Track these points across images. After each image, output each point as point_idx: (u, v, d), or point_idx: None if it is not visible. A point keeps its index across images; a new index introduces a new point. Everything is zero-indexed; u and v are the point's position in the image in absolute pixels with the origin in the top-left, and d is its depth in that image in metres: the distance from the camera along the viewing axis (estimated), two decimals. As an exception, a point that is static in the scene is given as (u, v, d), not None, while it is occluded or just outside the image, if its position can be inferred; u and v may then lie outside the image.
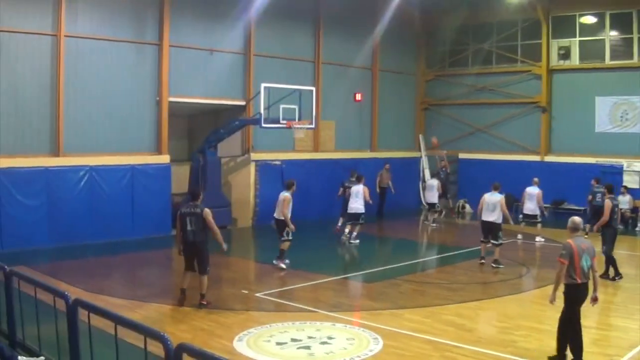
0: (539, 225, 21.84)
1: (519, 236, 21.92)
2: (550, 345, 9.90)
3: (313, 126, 23.56)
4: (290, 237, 16.94)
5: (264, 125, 21.86)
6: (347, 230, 21.36)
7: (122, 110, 21.27)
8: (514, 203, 27.87)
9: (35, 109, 19.38)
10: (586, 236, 18.79)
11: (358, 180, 21.38)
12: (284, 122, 21.85)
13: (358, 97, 28.76)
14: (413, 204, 30.70)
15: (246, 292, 14.50)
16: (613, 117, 26.65)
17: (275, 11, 24.22)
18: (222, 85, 23.99)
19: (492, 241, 17.76)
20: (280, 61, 25.74)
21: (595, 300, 9.70)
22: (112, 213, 20.60)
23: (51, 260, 17.93)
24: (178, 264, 19.37)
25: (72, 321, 7.09)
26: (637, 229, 23.44)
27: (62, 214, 19.55)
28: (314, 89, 24.13)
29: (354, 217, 21.07)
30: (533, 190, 21.82)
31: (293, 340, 10.82)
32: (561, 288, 9.71)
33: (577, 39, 27.58)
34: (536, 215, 21.81)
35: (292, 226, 16.80)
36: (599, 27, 27.14)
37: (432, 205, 25.85)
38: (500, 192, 18.09)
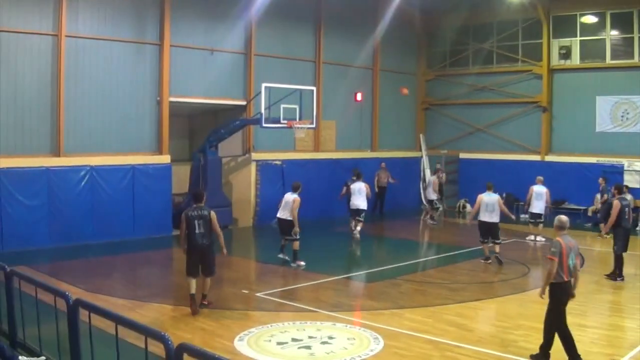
0: (541, 225, 21.83)
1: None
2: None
3: (314, 126, 23.53)
4: (299, 237, 17.35)
5: (264, 125, 21.87)
6: (352, 225, 21.81)
7: (122, 110, 21.28)
8: (514, 202, 27.98)
9: (35, 108, 19.38)
10: (605, 237, 19.06)
11: (358, 178, 21.95)
12: (285, 122, 21.85)
13: (358, 97, 28.75)
14: (413, 203, 30.69)
15: (247, 292, 14.50)
16: (614, 117, 26.64)
17: (276, 11, 24.23)
18: (222, 85, 23.99)
19: (494, 241, 17.88)
20: (281, 61, 25.74)
21: (572, 296, 9.72)
22: (113, 213, 20.60)
23: (52, 260, 17.93)
24: (178, 264, 19.38)
25: (72, 321, 7.11)
26: (637, 228, 23.41)
27: (63, 214, 19.55)
28: (314, 88, 24.12)
29: (356, 213, 21.58)
30: (541, 189, 21.71)
31: (294, 340, 10.82)
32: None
33: (578, 38, 27.57)
34: (541, 215, 21.79)
35: (297, 228, 17.21)
36: (599, 27, 27.11)
37: (430, 202, 25.90)
38: (495, 192, 18.07)
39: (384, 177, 27.61)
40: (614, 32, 26.74)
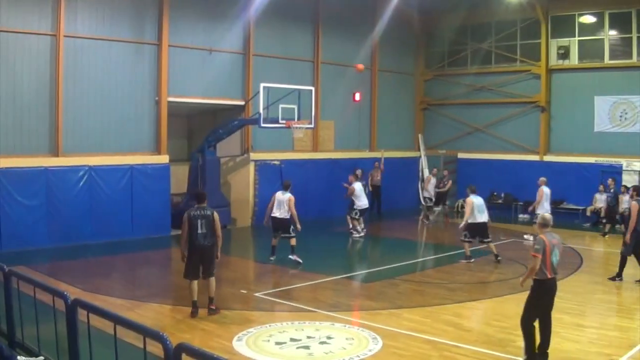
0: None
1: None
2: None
3: (312, 126, 23.54)
4: (295, 233, 17.62)
5: (263, 125, 21.87)
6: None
7: (121, 110, 21.27)
8: (513, 202, 28.00)
9: (34, 109, 19.38)
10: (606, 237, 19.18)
11: (356, 178, 22.53)
12: (283, 122, 21.85)
13: (357, 97, 28.74)
14: (412, 203, 30.68)
15: (245, 292, 14.50)
16: (612, 117, 26.65)
17: (274, 11, 24.24)
18: (221, 85, 23.99)
19: (485, 240, 18.11)
20: (280, 61, 25.75)
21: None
22: (112, 213, 20.61)
23: (50, 260, 17.93)
24: (177, 264, 19.36)
25: (71, 321, 7.10)
26: (616, 226, 23.44)
27: (62, 214, 19.55)
28: (313, 88, 24.12)
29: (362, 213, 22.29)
30: (549, 191, 21.59)
31: (292, 340, 10.82)
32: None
33: (577, 38, 27.58)
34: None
35: (299, 225, 17.60)
36: (598, 27, 27.13)
37: (430, 201, 25.91)
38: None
39: (377, 176, 27.48)
40: (613, 32, 26.77)
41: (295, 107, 22.11)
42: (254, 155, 24.93)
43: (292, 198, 17.52)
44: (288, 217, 17.51)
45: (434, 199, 26.59)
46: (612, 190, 23.27)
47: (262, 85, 21.73)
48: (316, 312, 12.68)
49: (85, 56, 20.41)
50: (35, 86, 19.39)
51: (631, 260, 15.43)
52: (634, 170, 25.58)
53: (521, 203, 27.28)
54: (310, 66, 27.15)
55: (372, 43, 29.16)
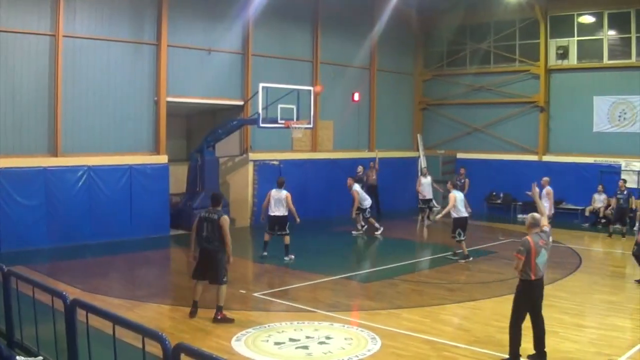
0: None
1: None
2: (548, 344, 9.90)
3: (311, 126, 23.55)
4: (289, 230, 17.99)
5: (262, 125, 21.91)
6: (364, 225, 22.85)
7: (120, 110, 21.27)
8: (512, 202, 28.01)
9: (33, 109, 19.37)
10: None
11: (354, 180, 22.82)
12: (282, 122, 21.87)
13: (356, 97, 28.74)
14: (411, 203, 30.65)
15: (244, 292, 14.50)
16: (611, 117, 26.66)
17: (273, 11, 24.25)
18: (220, 85, 23.99)
19: (463, 237, 18.31)
20: (279, 61, 25.75)
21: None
22: (111, 213, 20.60)
23: (49, 260, 17.94)
24: (176, 264, 19.49)
25: (70, 321, 7.09)
26: (635, 228, 23.42)
27: (61, 214, 19.54)
28: (312, 88, 24.13)
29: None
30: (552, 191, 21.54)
31: (291, 340, 10.83)
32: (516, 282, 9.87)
33: (575, 38, 27.58)
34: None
35: (298, 219, 18.10)
36: (597, 27, 27.14)
37: (426, 202, 25.88)
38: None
39: (373, 176, 27.39)
40: (612, 32, 26.77)
41: (294, 107, 22.13)
42: (252, 155, 24.93)
43: (289, 195, 17.87)
44: (286, 214, 17.86)
45: (432, 199, 26.39)
46: (624, 192, 23.09)
47: (261, 85, 21.75)
48: (315, 312, 12.69)
49: (84, 56, 20.40)
50: (34, 86, 19.38)
51: (630, 259, 15.43)
52: (633, 171, 25.58)
53: (520, 203, 27.31)
54: (309, 66, 27.15)
55: (371, 43, 29.18)
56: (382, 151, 29.20)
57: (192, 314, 12.20)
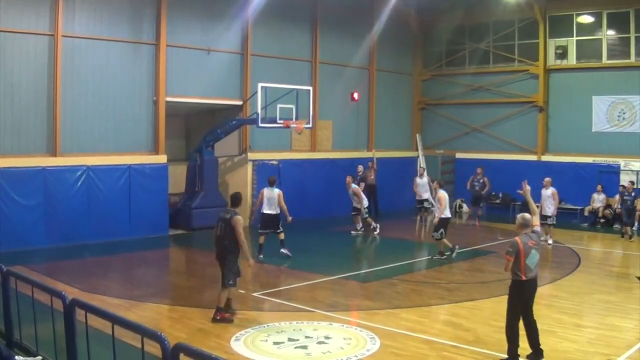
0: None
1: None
2: (547, 344, 9.92)
3: (310, 126, 23.55)
4: (282, 228, 18.30)
5: (260, 125, 21.92)
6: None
7: (119, 110, 21.27)
8: (511, 203, 27.99)
9: (32, 108, 19.37)
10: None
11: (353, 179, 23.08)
12: (281, 121, 21.87)
13: (355, 96, 28.74)
14: (410, 203, 30.64)
15: (243, 291, 14.46)
16: (610, 117, 26.66)
17: (272, 11, 24.26)
18: (219, 84, 23.99)
19: (443, 237, 18.43)
20: (278, 61, 25.75)
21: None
22: (109, 213, 20.60)
23: (48, 260, 17.92)
24: (175, 264, 19.50)
25: (69, 321, 7.10)
26: (633, 228, 23.45)
27: (59, 214, 19.53)
28: (311, 88, 24.14)
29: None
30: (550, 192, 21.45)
31: (290, 339, 10.82)
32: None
33: (574, 38, 27.58)
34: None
35: (290, 218, 18.15)
36: (596, 27, 27.14)
37: (421, 202, 25.86)
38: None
39: (371, 176, 27.36)
40: (611, 32, 26.77)
41: (293, 107, 22.13)
42: (251, 155, 24.92)
43: (281, 193, 18.10)
44: (278, 212, 18.03)
45: (429, 199, 26.30)
46: (632, 194, 22.98)
47: (260, 85, 21.76)
48: (314, 312, 12.68)
49: (83, 56, 20.40)
50: (33, 86, 19.38)
51: (629, 259, 15.44)
52: (632, 170, 25.58)
53: (519, 203, 27.28)
54: (308, 66, 27.15)
55: (370, 43, 29.19)
56: (381, 151, 29.21)
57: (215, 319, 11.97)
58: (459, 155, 30.94)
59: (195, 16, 23.09)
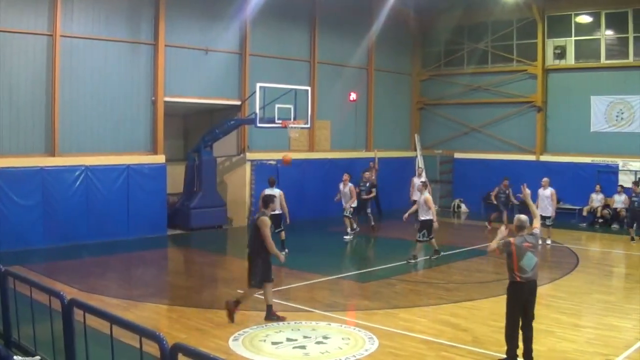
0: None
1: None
2: (545, 344, 9.94)
3: (308, 126, 23.56)
4: (283, 227, 18.47)
5: (259, 125, 21.92)
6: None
7: (117, 110, 21.27)
8: (509, 203, 27.95)
9: (30, 108, 19.36)
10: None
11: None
12: (279, 121, 21.87)
13: (353, 96, 28.74)
14: (408, 203, 30.61)
15: (242, 291, 14.43)
16: (608, 117, 26.67)
17: (270, 11, 24.25)
18: (217, 85, 23.98)
19: (427, 238, 18.38)
20: (276, 61, 25.75)
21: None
22: (108, 213, 20.60)
23: (47, 260, 17.92)
24: (173, 264, 19.50)
25: (67, 321, 7.09)
26: (632, 228, 23.45)
27: (58, 214, 19.52)
28: (309, 88, 24.16)
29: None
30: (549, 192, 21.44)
31: (288, 339, 10.82)
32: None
33: (573, 38, 27.59)
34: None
35: (289, 219, 18.39)
36: (594, 27, 27.15)
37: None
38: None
39: (372, 175, 27.36)
40: (609, 32, 26.78)
41: (292, 107, 22.13)
42: (250, 155, 24.92)
43: (282, 193, 18.24)
44: (280, 212, 18.15)
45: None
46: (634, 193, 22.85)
47: (258, 85, 21.78)
48: (312, 312, 12.68)
49: (82, 56, 20.39)
50: (31, 86, 19.36)
51: (628, 259, 15.44)
52: (630, 170, 25.60)
53: (517, 203, 27.27)
54: (306, 66, 27.15)
55: (368, 43, 29.20)
56: (379, 151, 29.23)
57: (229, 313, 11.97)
58: (457, 155, 30.95)
59: (193, 16, 23.08)
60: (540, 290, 9.87)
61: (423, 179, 25.51)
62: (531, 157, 28.49)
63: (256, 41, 24.97)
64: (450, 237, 24.26)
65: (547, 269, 16.89)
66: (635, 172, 25.39)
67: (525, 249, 9.50)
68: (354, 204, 22.20)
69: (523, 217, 9.83)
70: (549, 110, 28.49)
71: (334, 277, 16.17)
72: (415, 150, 32.27)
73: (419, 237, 18.25)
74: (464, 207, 29.97)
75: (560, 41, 27.87)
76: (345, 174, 22.53)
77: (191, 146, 24.84)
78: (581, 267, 17.55)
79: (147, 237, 21.11)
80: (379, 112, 30.38)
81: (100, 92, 20.86)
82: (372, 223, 23.76)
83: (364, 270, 17.73)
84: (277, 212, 18.06)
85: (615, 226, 24.74)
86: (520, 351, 9.62)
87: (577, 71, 27.53)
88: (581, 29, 27.49)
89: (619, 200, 24.83)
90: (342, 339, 10.91)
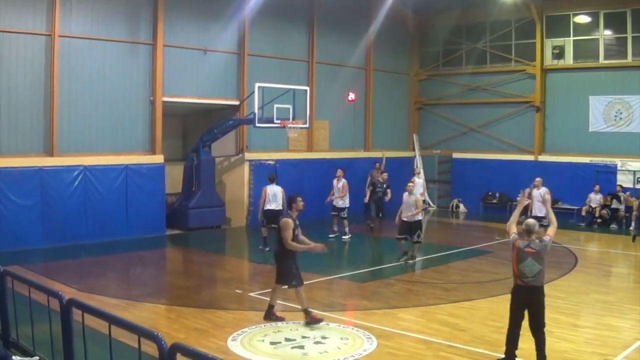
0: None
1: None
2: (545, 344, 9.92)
3: (307, 126, 23.56)
4: None
5: (257, 125, 21.92)
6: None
7: (116, 110, 21.25)
8: (508, 202, 28.00)
9: (29, 108, 19.34)
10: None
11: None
12: (278, 121, 21.87)
13: (351, 96, 28.74)
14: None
15: (240, 291, 14.49)
16: (607, 117, 26.68)
17: (269, 11, 24.23)
18: (216, 85, 23.98)
19: (417, 238, 18.15)
20: (274, 61, 25.74)
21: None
22: (106, 213, 20.58)
23: (45, 260, 17.90)
24: (172, 264, 19.48)
25: (66, 321, 7.09)
26: (630, 228, 23.49)
27: (56, 214, 19.50)
28: (308, 88, 24.17)
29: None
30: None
31: (287, 339, 10.82)
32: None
33: (571, 38, 27.60)
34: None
35: None
36: (593, 27, 27.16)
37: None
38: None
39: (377, 177, 27.39)
40: (607, 32, 26.79)
41: (290, 107, 22.13)
42: (248, 155, 24.92)
43: (284, 190, 18.68)
44: (281, 208, 18.27)
45: (426, 199, 26.23)
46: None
47: (256, 85, 21.78)
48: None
49: (80, 56, 20.38)
50: (30, 86, 19.34)
51: (627, 259, 15.45)
52: (629, 170, 25.62)
53: (516, 203, 27.27)
54: (305, 66, 27.14)
55: (366, 43, 29.19)
56: (378, 151, 29.24)
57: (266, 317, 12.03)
58: (455, 155, 30.95)
59: (192, 16, 23.08)
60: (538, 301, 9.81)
61: (422, 179, 25.60)
62: (530, 157, 28.49)
63: (254, 41, 24.96)
64: (449, 237, 24.33)
65: (546, 269, 16.84)
66: (634, 172, 25.42)
67: (526, 254, 9.44)
68: (347, 204, 22.22)
69: (531, 221, 9.82)
70: (547, 110, 28.51)
71: (333, 277, 16.17)
72: (414, 150, 32.28)
73: (415, 238, 18.17)
74: (462, 207, 29.97)
75: (558, 41, 27.88)
76: (339, 170, 22.52)
77: (190, 146, 24.84)
78: (580, 267, 17.56)
79: (146, 237, 21.09)
80: (378, 112, 30.38)
81: (99, 92, 20.84)
82: (371, 224, 23.70)
83: (363, 270, 17.72)
84: (275, 208, 18.51)
85: (614, 226, 24.76)
86: (520, 352, 9.62)
87: (575, 71, 27.54)
88: (580, 29, 27.50)
89: (595, 200, 25.08)
90: (341, 339, 10.91)
